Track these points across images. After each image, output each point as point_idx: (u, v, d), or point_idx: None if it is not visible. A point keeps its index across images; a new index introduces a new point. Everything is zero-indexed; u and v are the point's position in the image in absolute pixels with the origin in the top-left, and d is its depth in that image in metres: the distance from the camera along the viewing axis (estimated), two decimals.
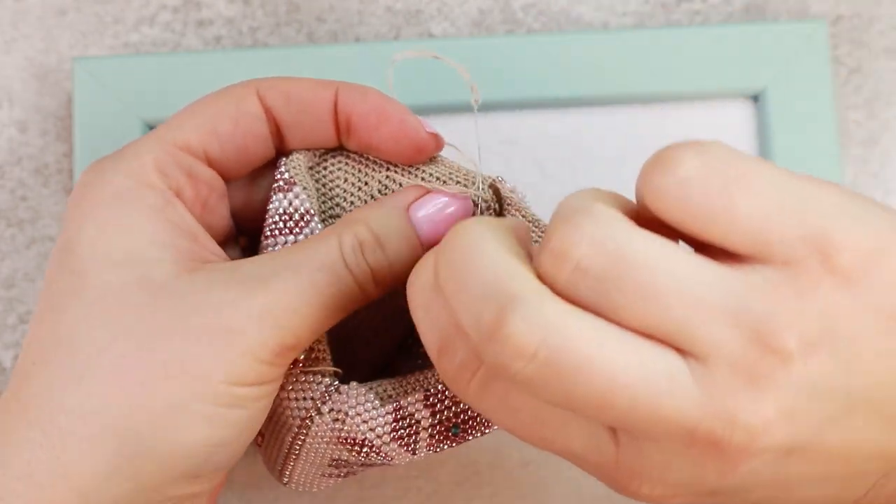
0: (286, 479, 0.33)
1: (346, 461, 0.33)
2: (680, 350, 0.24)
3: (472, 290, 0.24)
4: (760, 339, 0.24)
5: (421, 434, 0.31)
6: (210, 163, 0.32)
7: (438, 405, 0.31)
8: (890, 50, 0.46)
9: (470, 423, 0.32)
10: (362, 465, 0.33)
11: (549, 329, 0.23)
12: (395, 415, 0.31)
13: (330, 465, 0.33)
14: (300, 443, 0.32)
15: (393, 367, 0.38)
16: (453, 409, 0.31)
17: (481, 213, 0.33)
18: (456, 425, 0.32)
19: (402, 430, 0.31)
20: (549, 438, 0.27)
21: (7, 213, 0.44)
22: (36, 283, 0.43)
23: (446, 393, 0.31)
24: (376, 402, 0.31)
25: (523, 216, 0.33)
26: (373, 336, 0.36)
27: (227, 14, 0.45)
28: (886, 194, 0.45)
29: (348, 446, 0.32)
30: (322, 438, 0.32)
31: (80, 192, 0.30)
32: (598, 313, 0.24)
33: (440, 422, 0.31)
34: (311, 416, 0.31)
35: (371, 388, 0.31)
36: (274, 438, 0.33)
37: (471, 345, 0.25)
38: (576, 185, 0.43)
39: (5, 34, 0.45)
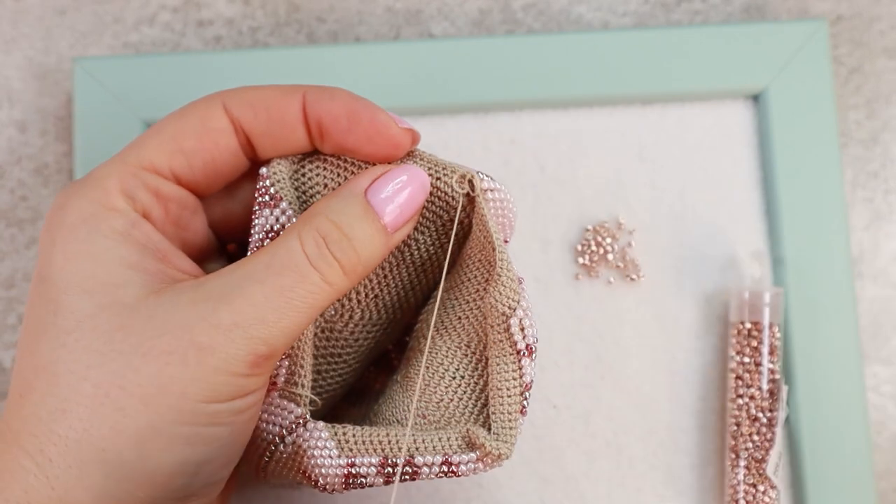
0: (262, 481, 0.34)
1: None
2: None
3: None
4: None
5: (368, 491, 0.32)
6: (178, 180, 0.32)
7: (393, 477, 0.31)
8: (890, 50, 0.46)
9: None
10: None
11: None
12: (348, 470, 0.31)
13: (296, 482, 0.33)
14: (266, 460, 0.32)
15: (367, 379, 0.38)
16: (407, 480, 0.31)
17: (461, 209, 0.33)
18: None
19: (353, 485, 0.31)
20: None
21: (7, 213, 0.44)
22: None
23: (405, 468, 0.31)
24: (335, 451, 0.31)
25: (486, 230, 0.32)
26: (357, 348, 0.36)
27: (227, 14, 0.45)
28: (886, 194, 0.45)
29: (304, 478, 0.32)
30: (283, 464, 0.32)
31: (50, 219, 0.30)
32: None
33: (389, 488, 0.31)
34: (276, 441, 0.32)
35: (335, 434, 0.31)
36: (251, 448, 0.33)
37: None
38: (576, 186, 0.43)
39: (5, 34, 0.45)
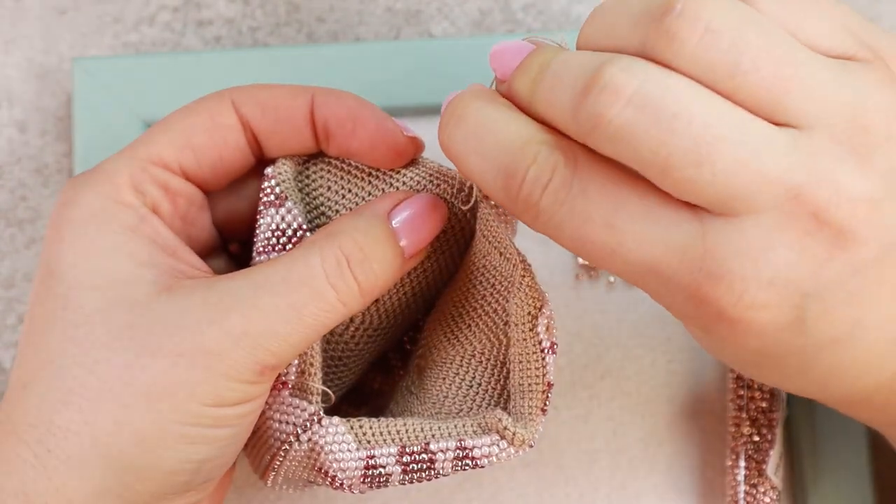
0: (269, 484, 0.34)
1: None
2: (780, 124, 0.25)
3: (569, 69, 0.25)
4: (858, 120, 0.25)
5: (388, 486, 0.32)
6: (187, 176, 0.32)
7: (412, 465, 0.31)
8: None
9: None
10: None
11: (647, 76, 0.24)
12: (367, 462, 0.31)
13: (309, 481, 0.33)
14: (279, 462, 0.32)
15: (365, 379, 0.38)
16: (426, 472, 0.31)
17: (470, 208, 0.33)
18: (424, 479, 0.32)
19: (371, 479, 0.31)
20: (623, 247, 0.26)
21: (7, 213, 0.44)
22: None
23: (422, 456, 0.31)
24: (353, 444, 0.31)
25: (493, 237, 0.32)
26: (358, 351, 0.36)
27: (227, 14, 0.45)
28: None
29: (321, 476, 0.32)
30: (299, 463, 0.32)
31: (58, 213, 0.30)
32: (709, 84, 0.25)
33: (410, 480, 0.32)
34: (290, 440, 0.32)
35: (351, 428, 0.31)
36: (256, 449, 0.33)
37: (555, 142, 0.26)
38: None
39: (5, 34, 0.45)
